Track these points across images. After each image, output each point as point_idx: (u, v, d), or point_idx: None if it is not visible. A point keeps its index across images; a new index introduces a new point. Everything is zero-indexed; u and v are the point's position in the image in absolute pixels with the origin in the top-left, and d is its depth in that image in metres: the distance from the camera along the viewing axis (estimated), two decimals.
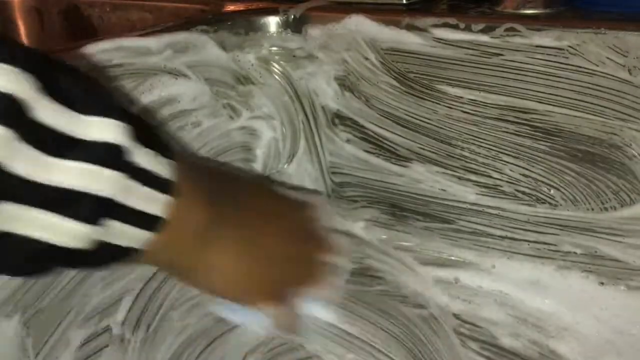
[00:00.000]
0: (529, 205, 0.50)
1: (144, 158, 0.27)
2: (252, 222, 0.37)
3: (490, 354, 0.46)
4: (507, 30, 0.45)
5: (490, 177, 0.51)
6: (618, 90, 0.43)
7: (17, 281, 0.46)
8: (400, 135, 0.54)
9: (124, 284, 0.52)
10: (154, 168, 0.27)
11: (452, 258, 0.54)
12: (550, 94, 0.46)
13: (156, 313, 0.52)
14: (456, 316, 0.49)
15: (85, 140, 0.24)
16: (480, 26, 0.46)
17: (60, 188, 0.24)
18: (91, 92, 0.25)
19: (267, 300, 0.39)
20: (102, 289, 0.51)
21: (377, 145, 0.55)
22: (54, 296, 0.48)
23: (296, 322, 0.40)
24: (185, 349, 0.49)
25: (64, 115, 0.24)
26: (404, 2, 0.52)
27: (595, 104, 0.44)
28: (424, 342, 0.47)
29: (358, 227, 0.58)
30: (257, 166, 0.59)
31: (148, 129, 0.29)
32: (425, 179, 0.54)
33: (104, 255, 0.27)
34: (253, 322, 0.40)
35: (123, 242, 0.27)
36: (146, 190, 0.27)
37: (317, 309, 0.42)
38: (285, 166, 0.60)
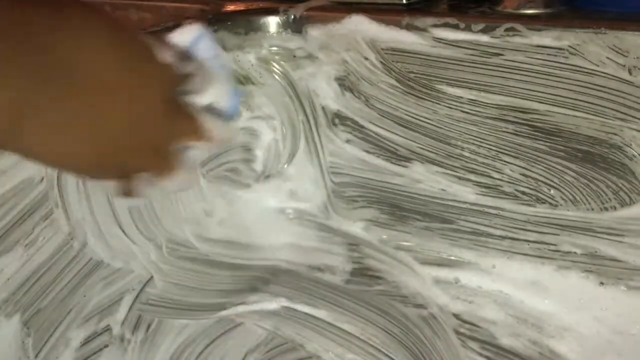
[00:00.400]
0: (529, 205, 0.50)
1: None
2: (81, 86, 0.29)
3: (490, 353, 0.46)
4: (507, 30, 0.45)
5: (490, 177, 0.51)
6: (618, 90, 0.43)
7: (17, 281, 0.46)
8: (400, 135, 0.54)
9: (124, 284, 0.52)
10: None
11: (452, 258, 0.54)
12: (550, 94, 0.46)
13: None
14: (456, 316, 0.49)
15: None
16: (480, 26, 0.46)
17: None
18: None
19: (107, 174, 0.33)
20: (102, 289, 0.51)
21: (377, 145, 0.55)
22: (54, 296, 0.48)
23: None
24: (185, 349, 0.49)
25: None
26: (404, 2, 0.52)
27: (595, 104, 0.44)
28: (424, 342, 0.47)
29: (358, 227, 0.58)
30: (257, 166, 0.59)
31: None
32: (425, 179, 0.54)
33: None
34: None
35: None
36: None
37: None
38: (285, 166, 0.60)
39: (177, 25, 0.46)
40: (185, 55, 0.36)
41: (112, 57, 0.30)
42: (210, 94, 0.38)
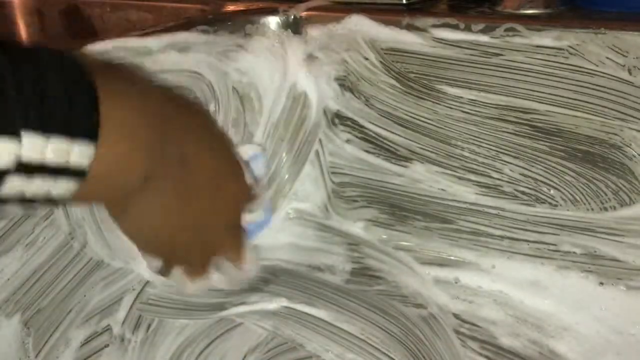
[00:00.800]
0: (529, 205, 0.50)
1: (50, 155, 0.24)
2: (193, 180, 0.34)
3: (490, 353, 0.46)
4: (507, 30, 0.45)
5: (490, 177, 0.51)
6: (618, 90, 0.43)
7: (17, 281, 0.46)
8: (400, 135, 0.54)
9: (124, 284, 0.52)
10: (63, 163, 0.25)
11: (452, 258, 0.54)
12: (550, 94, 0.46)
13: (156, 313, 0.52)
14: (456, 316, 0.49)
15: None
16: (480, 26, 0.46)
17: None
18: None
19: (184, 266, 0.38)
20: (103, 289, 0.51)
21: (377, 145, 0.55)
22: (54, 296, 0.48)
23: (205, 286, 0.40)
24: (185, 349, 0.49)
25: None
26: (404, 2, 0.52)
27: (595, 104, 0.44)
28: (423, 341, 0.47)
29: (358, 227, 0.58)
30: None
31: (63, 105, 0.25)
32: (425, 179, 0.54)
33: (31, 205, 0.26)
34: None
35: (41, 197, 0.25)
36: (48, 180, 0.25)
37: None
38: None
39: (177, 25, 0.47)
40: (257, 179, 0.42)
41: (216, 164, 0.36)
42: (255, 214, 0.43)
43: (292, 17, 0.54)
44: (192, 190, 0.34)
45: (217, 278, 0.40)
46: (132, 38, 0.49)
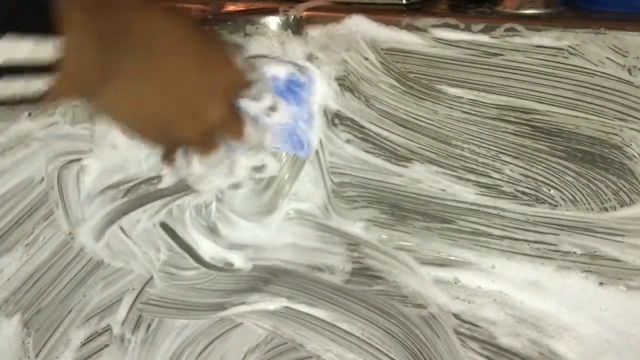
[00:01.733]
0: (529, 205, 0.50)
1: (19, 52, 0.26)
2: (152, 66, 0.35)
3: (490, 353, 0.46)
4: (507, 30, 0.45)
5: (490, 177, 0.51)
6: (618, 91, 0.43)
7: (18, 281, 0.46)
8: (400, 135, 0.54)
9: (124, 284, 0.53)
10: (33, 60, 0.27)
11: (452, 258, 0.54)
12: (550, 94, 0.46)
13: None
14: (456, 316, 0.49)
15: None
16: (480, 26, 0.46)
17: None
18: None
19: (160, 140, 0.39)
20: (103, 289, 0.51)
21: (377, 145, 0.55)
22: (54, 296, 0.48)
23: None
24: (185, 348, 0.49)
25: None
26: (404, 2, 0.52)
27: (595, 104, 0.44)
28: (423, 341, 0.47)
29: (358, 227, 0.58)
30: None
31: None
32: (425, 179, 0.54)
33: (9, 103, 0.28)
34: None
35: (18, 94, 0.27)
36: (26, 76, 0.27)
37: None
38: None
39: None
40: (253, 65, 0.42)
41: (189, 47, 0.37)
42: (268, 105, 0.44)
43: (292, 17, 0.54)
44: (166, 73, 0.36)
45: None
46: None
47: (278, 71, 0.47)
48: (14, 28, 0.26)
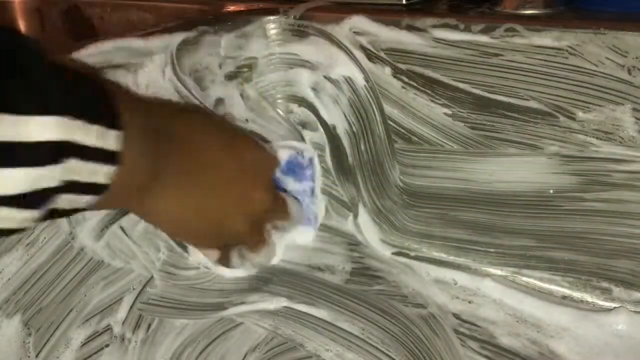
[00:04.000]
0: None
1: (88, 137, 0.27)
2: (196, 163, 0.37)
3: (490, 353, 0.46)
4: (507, 30, 0.45)
5: None
6: (618, 91, 0.43)
7: (18, 281, 0.46)
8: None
9: (124, 284, 0.53)
10: (99, 144, 0.28)
11: (452, 258, 0.54)
12: (550, 94, 0.46)
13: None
14: (456, 316, 0.49)
15: (25, 143, 0.25)
16: (480, 26, 0.46)
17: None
18: (29, 88, 0.25)
19: (212, 242, 0.41)
20: (103, 289, 0.51)
21: None
22: (54, 296, 0.48)
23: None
24: (185, 348, 0.49)
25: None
26: (404, 2, 0.52)
27: (595, 104, 0.44)
28: (423, 341, 0.47)
29: (358, 227, 0.58)
30: None
31: (94, 98, 0.29)
32: None
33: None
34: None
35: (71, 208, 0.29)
36: (91, 166, 0.28)
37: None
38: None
39: (177, 26, 0.48)
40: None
41: (226, 146, 0.39)
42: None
43: (292, 17, 0.54)
44: (207, 176, 0.37)
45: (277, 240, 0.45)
46: (132, 38, 0.49)
47: (280, 154, 0.52)
48: (80, 112, 0.27)
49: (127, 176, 0.30)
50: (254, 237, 0.43)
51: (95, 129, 0.28)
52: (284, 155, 0.52)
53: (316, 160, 0.56)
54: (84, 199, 0.29)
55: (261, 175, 0.42)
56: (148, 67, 0.47)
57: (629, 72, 0.42)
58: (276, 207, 0.44)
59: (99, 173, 0.29)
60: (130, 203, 0.35)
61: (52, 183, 0.26)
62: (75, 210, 0.29)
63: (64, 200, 0.28)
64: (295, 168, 0.54)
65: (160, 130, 0.34)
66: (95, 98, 0.29)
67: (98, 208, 0.32)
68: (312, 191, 0.56)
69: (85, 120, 0.27)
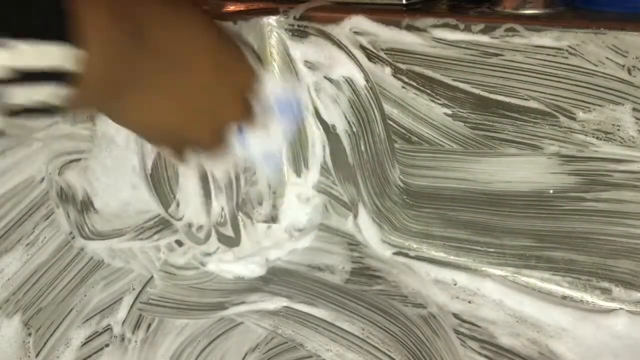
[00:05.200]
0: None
1: (30, 61, 0.25)
2: (172, 67, 0.34)
3: (490, 353, 0.46)
4: (507, 30, 0.45)
5: None
6: (618, 91, 0.43)
7: (18, 281, 0.46)
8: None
9: (124, 284, 0.53)
10: (45, 67, 0.25)
11: (452, 258, 0.54)
12: (550, 94, 0.46)
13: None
14: (455, 315, 0.49)
15: None
16: (480, 26, 0.46)
17: None
18: None
19: (202, 140, 0.38)
20: (103, 289, 0.51)
21: None
22: (54, 296, 0.48)
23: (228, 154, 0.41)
24: (186, 348, 0.49)
25: None
26: (404, 2, 0.52)
27: (594, 104, 0.44)
28: (424, 341, 0.47)
29: (358, 227, 0.58)
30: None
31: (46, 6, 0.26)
32: None
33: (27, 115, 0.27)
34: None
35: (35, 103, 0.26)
36: (40, 88, 0.26)
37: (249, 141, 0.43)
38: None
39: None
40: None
41: (208, 50, 0.36)
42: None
43: (292, 17, 0.54)
44: (183, 82, 0.35)
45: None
46: None
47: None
48: (30, 33, 0.24)
49: (88, 90, 0.28)
50: (213, 140, 0.40)
51: (45, 51, 0.25)
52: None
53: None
54: (43, 91, 0.26)
55: (238, 87, 0.39)
56: None
57: (629, 72, 0.42)
58: (243, 119, 0.41)
59: (51, 95, 0.26)
60: (95, 104, 0.32)
61: None
62: (39, 111, 0.27)
63: (18, 94, 0.25)
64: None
65: (135, 27, 0.30)
66: (46, 1, 0.25)
67: (66, 110, 0.28)
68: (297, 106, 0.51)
69: (33, 42, 0.24)
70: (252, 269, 0.55)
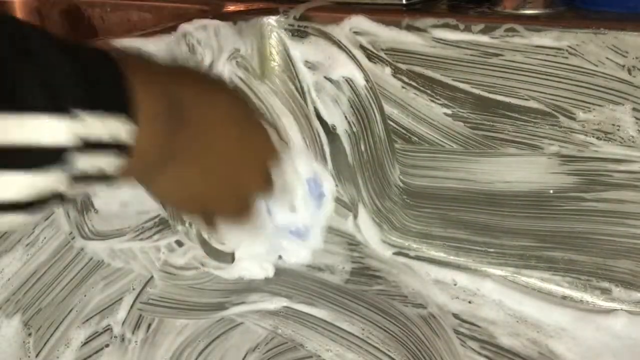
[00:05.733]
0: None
1: (100, 133, 0.26)
2: (206, 144, 0.36)
3: (490, 353, 0.46)
4: (506, 30, 0.45)
5: None
6: (618, 90, 0.43)
7: (18, 281, 0.46)
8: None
9: (124, 284, 0.53)
10: (107, 138, 0.27)
11: (452, 258, 0.54)
12: (550, 94, 0.46)
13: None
14: (455, 315, 0.49)
15: (32, 148, 0.24)
16: (480, 26, 0.46)
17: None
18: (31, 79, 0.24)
19: (228, 211, 0.41)
20: (103, 289, 0.51)
21: None
22: (54, 296, 0.48)
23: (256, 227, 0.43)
24: (186, 348, 0.49)
25: None
26: (404, 2, 0.52)
27: (595, 104, 0.44)
28: (423, 341, 0.47)
29: (358, 227, 0.58)
30: None
31: (107, 78, 0.27)
32: None
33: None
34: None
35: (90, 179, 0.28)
36: (100, 160, 0.27)
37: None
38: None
39: (177, 26, 0.48)
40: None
41: (236, 126, 0.38)
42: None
43: (292, 17, 0.54)
44: (213, 157, 0.37)
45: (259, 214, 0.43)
46: (132, 38, 0.49)
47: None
48: (95, 105, 0.26)
49: (138, 163, 0.30)
50: (239, 211, 0.43)
51: (107, 123, 0.26)
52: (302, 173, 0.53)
53: (328, 192, 0.57)
54: (103, 160, 0.28)
55: (261, 160, 0.41)
56: None
57: (629, 72, 0.42)
58: (264, 190, 0.44)
59: (109, 164, 0.28)
60: (139, 176, 0.34)
61: (59, 188, 0.26)
62: (97, 179, 0.28)
63: (83, 161, 0.26)
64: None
65: (176, 106, 0.33)
66: (108, 78, 0.27)
67: (117, 179, 0.30)
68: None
69: (98, 114, 0.26)
70: (266, 267, 0.56)
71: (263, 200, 0.45)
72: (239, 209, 0.42)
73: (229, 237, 0.46)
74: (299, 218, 0.54)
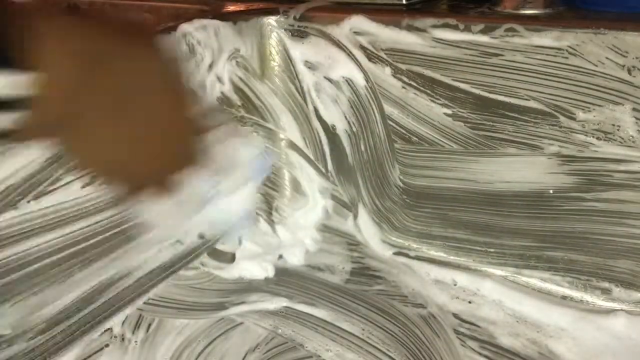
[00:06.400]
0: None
1: None
2: (126, 94, 0.34)
3: (490, 353, 0.46)
4: (506, 30, 0.45)
5: None
6: (618, 90, 0.43)
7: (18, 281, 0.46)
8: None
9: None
10: (6, 94, 0.26)
11: (452, 258, 0.54)
12: (550, 94, 0.46)
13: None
14: (455, 315, 0.49)
15: None
16: (480, 26, 0.46)
17: None
18: None
19: (146, 179, 0.38)
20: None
21: None
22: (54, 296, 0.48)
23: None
24: (185, 348, 0.49)
25: None
26: (404, 2, 0.52)
27: (595, 104, 0.44)
28: (423, 341, 0.47)
29: (358, 227, 0.58)
30: None
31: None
32: None
33: None
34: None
35: None
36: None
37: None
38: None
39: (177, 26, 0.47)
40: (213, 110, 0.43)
41: (161, 91, 0.35)
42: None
43: (292, 17, 0.54)
44: (128, 116, 0.34)
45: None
46: None
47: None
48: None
49: (40, 119, 0.29)
50: (162, 182, 0.39)
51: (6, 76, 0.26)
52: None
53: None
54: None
55: (186, 132, 0.38)
56: None
57: (629, 72, 0.42)
58: (190, 162, 0.42)
59: (3, 121, 0.27)
60: (49, 130, 0.32)
61: None
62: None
63: None
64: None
65: (93, 63, 0.31)
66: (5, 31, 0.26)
67: (20, 136, 0.29)
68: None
69: None
70: (265, 267, 0.55)
71: (187, 172, 0.40)
72: (159, 178, 0.39)
73: (150, 209, 0.43)
74: (227, 192, 0.49)
